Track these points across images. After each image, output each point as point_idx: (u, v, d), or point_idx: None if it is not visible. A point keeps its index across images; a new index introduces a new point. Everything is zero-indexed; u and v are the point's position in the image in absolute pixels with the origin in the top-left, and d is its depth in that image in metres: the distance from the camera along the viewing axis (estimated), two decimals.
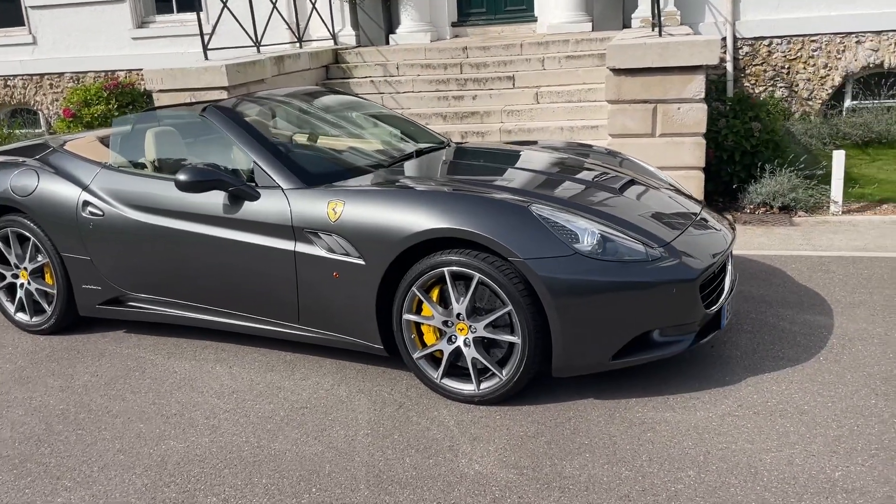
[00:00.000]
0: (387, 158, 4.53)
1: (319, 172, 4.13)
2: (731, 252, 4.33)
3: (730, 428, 3.39)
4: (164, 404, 3.90)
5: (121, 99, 10.84)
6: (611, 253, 3.50)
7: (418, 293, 3.68)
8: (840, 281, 5.10)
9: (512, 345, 3.55)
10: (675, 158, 7.07)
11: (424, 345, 3.78)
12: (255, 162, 4.09)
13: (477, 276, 3.52)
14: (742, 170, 7.63)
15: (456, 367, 3.74)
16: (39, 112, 13.03)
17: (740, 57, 10.27)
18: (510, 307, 3.49)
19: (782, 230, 6.40)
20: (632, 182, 4.32)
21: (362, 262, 3.76)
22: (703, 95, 6.85)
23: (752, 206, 7.25)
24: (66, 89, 12.57)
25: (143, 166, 4.56)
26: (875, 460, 3.10)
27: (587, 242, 3.49)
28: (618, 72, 7.03)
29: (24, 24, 12.81)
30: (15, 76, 13.03)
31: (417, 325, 3.76)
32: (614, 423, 3.48)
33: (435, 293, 3.68)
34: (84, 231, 4.51)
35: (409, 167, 4.39)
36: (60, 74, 12.81)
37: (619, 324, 3.50)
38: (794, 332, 4.35)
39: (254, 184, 4.07)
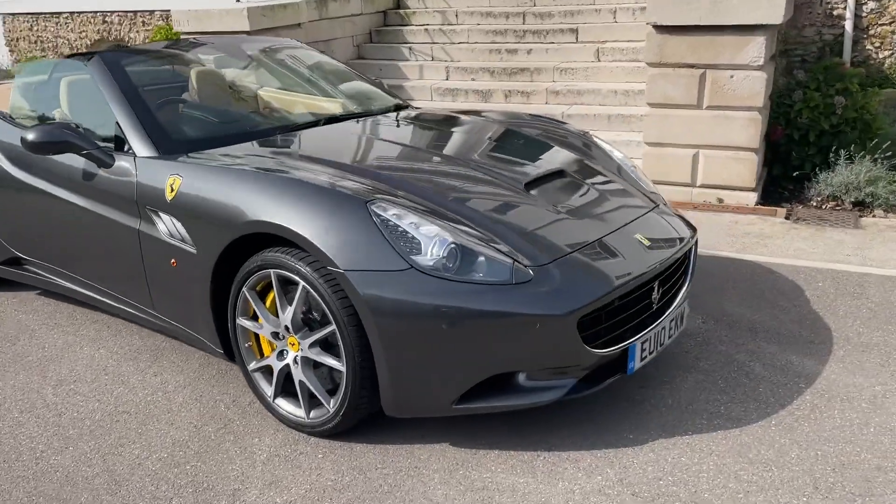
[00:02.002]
0: (287, 125, 3.88)
1: (182, 139, 3.55)
2: (683, 272, 3.39)
3: None
4: (1, 386, 3.55)
5: None
6: (463, 270, 2.73)
7: (248, 295, 3.07)
8: (867, 312, 3.99)
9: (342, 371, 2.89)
10: (722, 136, 5.94)
11: (263, 355, 3.18)
12: (116, 122, 3.57)
13: (301, 283, 2.87)
14: (817, 153, 6.34)
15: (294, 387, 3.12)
16: None
17: (863, 14, 8.62)
18: (334, 327, 2.82)
19: (837, 234, 5.21)
20: (556, 175, 3.44)
21: (195, 252, 3.19)
22: (762, 61, 5.66)
23: (819, 199, 6.02)
24: (155, 27, 12.66)
25: (47, 119, 4.16)
26: None
27: (432, 255, 2.73)
28: (661, 29, 5.93)
29: None
30: (112, 12, 13.26)
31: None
32: (449, 485, 2.76)
33: (271, 297, 3.06)
34: None
35: (295, 138, 3.70)
36: (151, 12, 12.89)
37: (465, 361, 2.74)
38: (760, 378, 3.39)
39: (112, 147, 3.56)
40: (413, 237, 2.75)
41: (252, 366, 3.17)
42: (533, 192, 3.23)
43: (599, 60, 8.04)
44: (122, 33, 13.33)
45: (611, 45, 8.04)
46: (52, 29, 13.47)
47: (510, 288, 2.72)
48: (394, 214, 2.80)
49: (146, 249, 3.39)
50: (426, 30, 9.04)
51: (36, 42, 13.56)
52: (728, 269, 4.65)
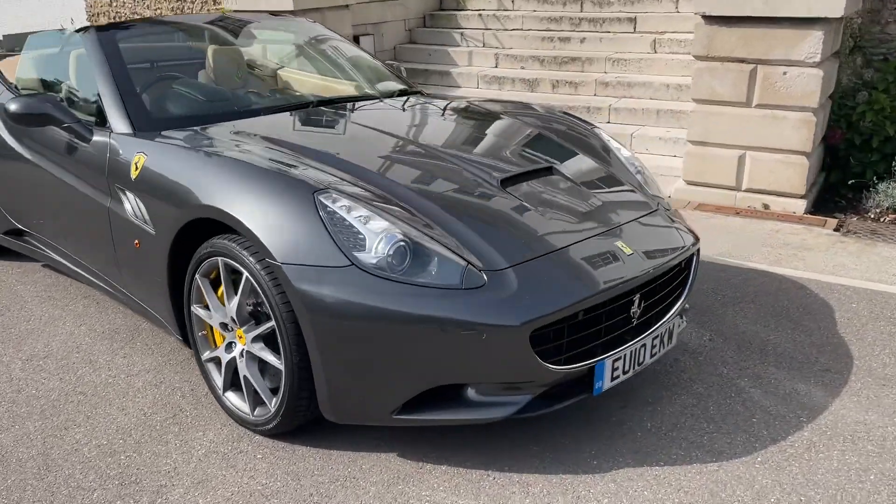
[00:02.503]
0: (276, 106, 3.72)
1: (162, 117, 3.44)
2: (680, 284, 3.09)
3: None
4: None
5: None
6: (410, 271, 2.51)
7: (200, 283, 2.94)
8: None
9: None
10: (772, 138, 5.50)
11: (216, 346, 3.04)
12: (98, 96, 3.49)
13: (245, 273, 2.71)
14: (880, 161, 5.83)
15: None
16: None
17: None
18: (273, 322, 2.65)
19: (887, 251, 4.74)
20: (543, 172, 3.17)
21: (153, 233, 3.07)
22: (818, 58, 5.20)
23: (877, 211, 5.52)
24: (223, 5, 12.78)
25: (53, 90, 4.13)
26: None
27: (377, 251, 2.52)
28: (710, 20, 5.52)
29: None
30: None
31: None
32: (383, 500, 2.56)
33: (222, 286, 2.91)
34: None
35: (275, 120, 3.52)
36: None
37: (406, 369, 2.53)
38: (757, 407, 3.05)
39: (94, 122, 3.48)
40: (358, 232, 2.55)
41: (205, 356, 3.04)
42: (511, 189, 2.97)
43: (655, 52, 7.62)
44: (193, 11, 13.53)
45: (669, 36, 7.61)
46: (130, 5, 13.77)
47: (458, 293, 2.49)
48: (342, 206, 2.61)
49: (115, 228, 3.30)
50: (480, 15, 8.79)
51: (114, 17, 13.90)
52: (754, 281, 4.27)
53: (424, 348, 2.48)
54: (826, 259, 4.61)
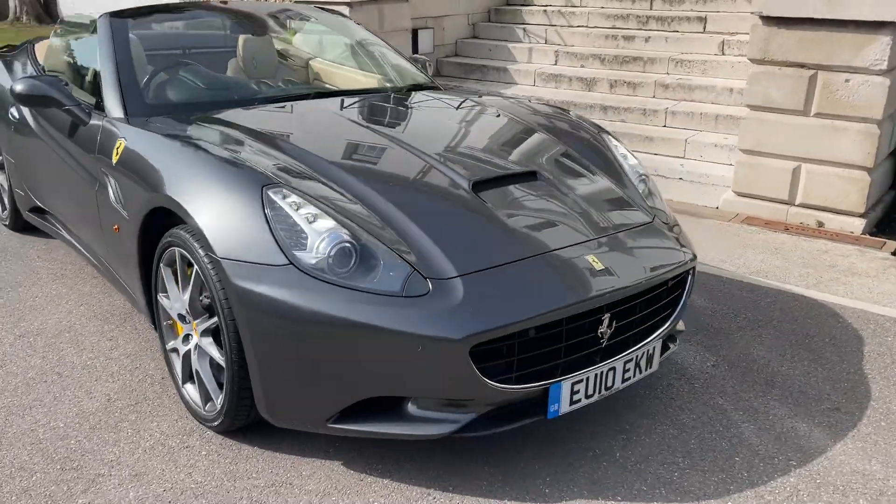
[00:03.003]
0: (274, 95, 3.66)
1: (154, 104, 3.42)
2: (670, 304, 2.85)
3: None
4: None
5: None
6: (353, 273, 2.39)
7: (163, 272, 2.90)
8: None
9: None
10: (830, 149, 5.11)
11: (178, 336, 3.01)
12: (100, 81, 3.52)
13: (195, 266, 2.65)
14: None
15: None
16: None
17: None
18: (216, 317, 2.58)
19: None
20: (523, 177, 2.98)
21: (127, 219, 3.06)
22: (885, 65, 4.78)
23: None
24: None
25: (74, 73, 4.21)
26: None
27: (318, 251, 2.41)
28: (768, 20, 5.17)
29: None
30: None
31: None
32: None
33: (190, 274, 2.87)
34: (8, 132, 4.35)
35: (261, 110, 3.44)
36: None
37: (340, 376, 2.41)
38: (744, 445, 2.79)
39: (93, 106, 3.51)
40: (301, 230, 2.44)
41: (169, 345, 3.01)
42: (483, 193, 2.80)
43: (723, 53, 7.22)
44: None
45: (739, 37, 7.19)
46: None
47: (398, 300, 2.35)
48: (291, 203, 2.51)
49: (101, 210, 3.32)
50: (545, 11, 8.55)
51: None
52: (783, 304, 3.94)
53: (360, 357, 2.36)
54: (872, 286, 4.22)
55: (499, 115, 3.58)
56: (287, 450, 2.73)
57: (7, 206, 4.77)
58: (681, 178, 6.05)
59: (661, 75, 7.22)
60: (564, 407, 2.54)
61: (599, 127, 3.66)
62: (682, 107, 6.69)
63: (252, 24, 4.27)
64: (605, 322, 2.58)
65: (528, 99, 4.03)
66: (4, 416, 2.94)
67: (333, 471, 2.63)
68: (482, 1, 8.83)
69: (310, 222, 2.45)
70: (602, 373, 2.59)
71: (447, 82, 8.07)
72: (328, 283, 2.36)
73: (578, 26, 8.29)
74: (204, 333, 2.71)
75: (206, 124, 3.18)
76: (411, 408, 2.45)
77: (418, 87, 4.08)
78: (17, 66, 4.51)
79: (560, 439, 2.80)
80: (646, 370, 2.77)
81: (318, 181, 2.68)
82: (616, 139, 3.55)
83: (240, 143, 2.93)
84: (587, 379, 2.56)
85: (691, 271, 2.97)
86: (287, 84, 3.91)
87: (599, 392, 2.62)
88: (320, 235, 2.42)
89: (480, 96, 3.99)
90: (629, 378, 2.70)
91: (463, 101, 3.83)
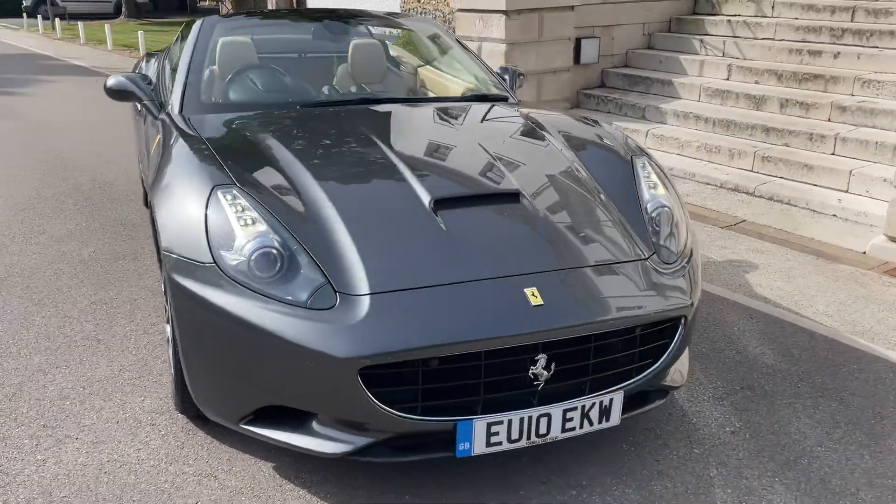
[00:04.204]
0: (317, 100, 3.74)
1: (206, 103, 3.63)
2: (654, 353, 2.53)
3: None
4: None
5: None
6: (273, 280, 2.39)
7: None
8: None
9: None
10: None
11: None
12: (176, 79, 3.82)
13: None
14: None
15: None
16: None
17: None
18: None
19: None
20: (501, 198, 2.76)
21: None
22: None
23: None
24: None
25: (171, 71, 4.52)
26: None
27: (241, 254, 2.43)
28: None
29: None
30: None
31: None
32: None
33: None
34: (134, 122, 4.87)
35: (295, 115, 3.52)
36: None
37: (247, 379, 2.42)
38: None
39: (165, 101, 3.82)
40: (232, 231, 2.48)
41: (167, 331, 3.20)
42: (443, 211, 2.64)
43: None
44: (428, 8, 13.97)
45: None
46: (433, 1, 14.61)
47: (299, 311, 2.31)
48: (235, 204, 2.56)
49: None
50: (729, 21, 7.90)
51: (421, 12, 14.91)
52: (867, 374, 3.33)
53: (264, 363, 2.35)
54: None
55: (524, 130, 3.38)
56: (234, 443, 2.79)
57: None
58: (834, 215, 5.32)
59: (842, 96, 6.38)
60: (479, 447, 2.34)
61: (640, 150, 3.31)
62: (858, 133, 5.86)
63: (340, 30, 4.39)
64: (541, 363, 2.34)
65: (591, 119, 3.75)
66: (32, 372, 3.30)
67: (259, 472, 2.64)
68: (662, 10, 8.34)
69: (244, 225, 2.49)
70: (531, 417, 2.36)
71: (607, 94, 7.75)
72: (243, 285, 2.38)
73: (763, 38, 7.56)
74: (168, 321, 2.85)
75: (229, 123, 3.33)
76: (315, 423, 2.40)
77: (482, 98, 3.95)
78: (153, 62, 5.03)
79: (504, 480, 2.58)
80: (600, 423, 2.47)
81: (282, 186, 2.71)
82: (654, 166, 3.19)
83: (241, 142, 3.04)
84: (509, 422, 2.34)
85: (683, 321, 2.60)
86: (345, 91, 3.96)
87: (529, 438, 2.38)
88: (248, 239, 2.45)
89: (534, 111, 3.77)
90: (572, 429, 2.43)
91: (505, 115, 3.66)
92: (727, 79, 7.31)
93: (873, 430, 2.93)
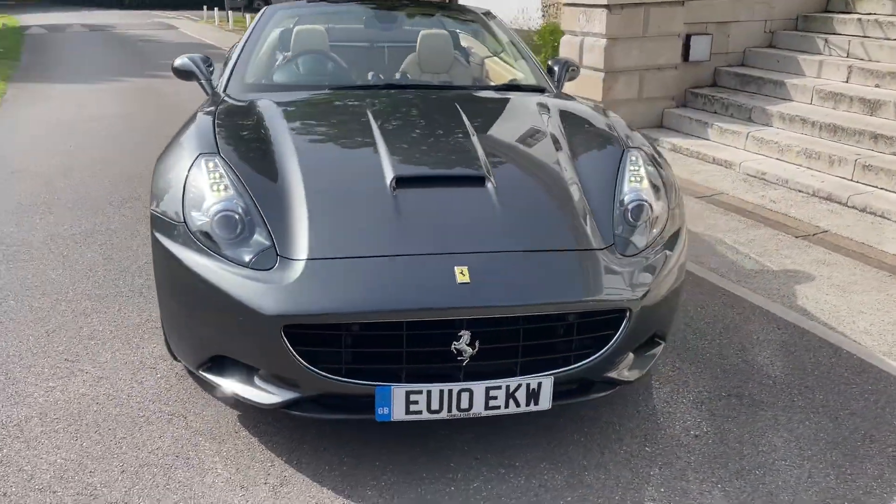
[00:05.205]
0: (347, 84, 3.94)
1: (248, 82, 3.91)
2: (593, 344, 2.52)
3: None
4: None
5: None
6: (227, 241, 2.60)
7: None
8: None
9: None
10: None
11: None
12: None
13: None
14: None
15: None
16: None
17: None
18: None
19: None
20: (468, 181, 2.81)
21: None
22: None
23: None
24: None
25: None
26: None
27: (206, 215, 2.65)
28: None
29: None
30: None
31: None
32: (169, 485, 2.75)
33: None
34: None
35: (324, 96, 3.71)
36: None
37: (199, 330, 2.65)
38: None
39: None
40: (203, 195, 2.72)
41: None
42: (402, 188, 2.74)
43: None
44: None
45: None
46: None
47: (242, 270, 2.50)
48: (214, 172, 2.78)
49: None
50: (860, 20, 7.34)
51: (560, 9, 14.79)
52: (879, 395, 3.09)
53: (211, 315, 2.57)
54: None
55: (526, 119, 3.40)
56: (215, 406, 2.97)
57: None
58: None
59: None
60: (398, 414, 2.44)
61: (643, 143, 3.25)
62: None
63: (387, 19, 4.57)
64: (464, 339, 2.41)
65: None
66: (76, 315, 3.72)
67: (224, 418, 2.86)
68: (787, 7, 7.87)
69: (215, 191, 2.72)
70: (452, 391, 2.43)
71: (715, 93, 7.44)
72: (201, 244, 2.60)
73: (894, 39, 6.97)
74: None
75: (254, 101, 3.58)
76: (257, 377, 2.59)
77: (515, 88, 4.00)
78: None
79: (439, 454, 2.67)
80: (528, 405, 2.50)
81: (265, 158, 2.91)
82: (651, 161, 3.12)
83: (248, 117, 3.30)
84: (429, 392, 2.42)
85: (628, 314, 2.56)
86: (374, 77, 4.10)
87: (450, 411, 2.45)
88: (214, 202, 2.68)
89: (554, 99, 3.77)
90: (497, 407, 2.47)
91: (521, 104, 3.68)
92: (846, 81, 6.81)
93: (856, 452, 2.73)
